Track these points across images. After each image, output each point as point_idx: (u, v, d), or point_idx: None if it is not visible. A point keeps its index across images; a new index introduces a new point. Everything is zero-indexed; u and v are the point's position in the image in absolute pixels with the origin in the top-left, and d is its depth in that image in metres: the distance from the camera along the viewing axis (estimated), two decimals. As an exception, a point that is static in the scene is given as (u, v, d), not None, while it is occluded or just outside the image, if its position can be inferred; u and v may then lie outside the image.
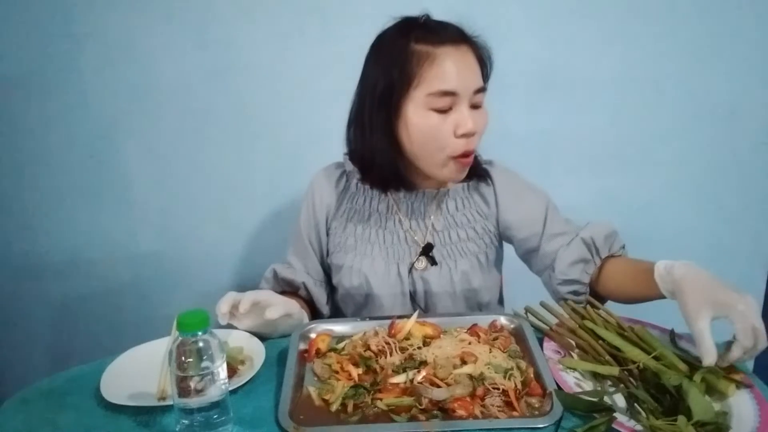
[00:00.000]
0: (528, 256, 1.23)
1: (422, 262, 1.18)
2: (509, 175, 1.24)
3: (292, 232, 1.27)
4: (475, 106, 1.08)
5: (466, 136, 1.06)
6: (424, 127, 1.06)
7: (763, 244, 1.76)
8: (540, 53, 1.60)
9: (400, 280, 1.18)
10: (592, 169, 1.69)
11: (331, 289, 1.28)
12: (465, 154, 1.08)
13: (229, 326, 1.04)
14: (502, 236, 1.24)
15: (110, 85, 1.60)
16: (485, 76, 1.11)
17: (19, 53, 1.57)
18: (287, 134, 1.65)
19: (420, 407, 0.83)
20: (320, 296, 1.25)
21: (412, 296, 1.19)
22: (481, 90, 1.08)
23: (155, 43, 1.57)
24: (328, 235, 1.24)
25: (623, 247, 1.18)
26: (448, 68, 1.04)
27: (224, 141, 1.66)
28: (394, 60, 1.06)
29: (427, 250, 1.18)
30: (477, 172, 1.20)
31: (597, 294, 1.14)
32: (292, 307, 1.09)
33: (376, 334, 0.99)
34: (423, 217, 1.20)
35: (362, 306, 1.21)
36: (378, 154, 1.12)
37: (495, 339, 0.99)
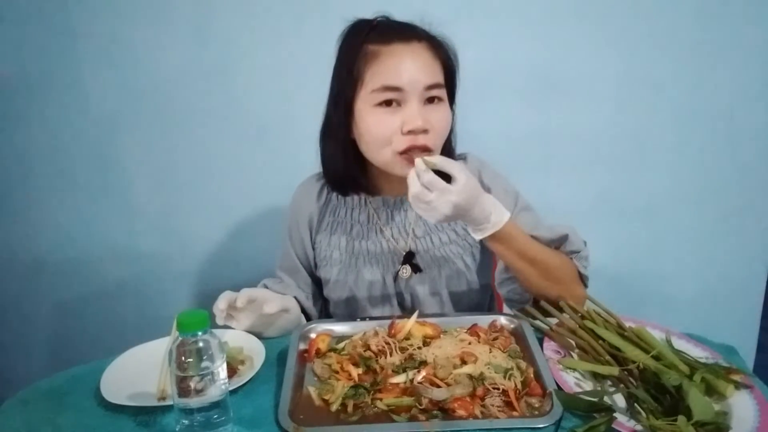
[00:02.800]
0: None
1: (406, 271, 1.17)
2: (481, 169, 1.21)
3: (281, 247, 1.27)
4: (430, 103, 1.05)
5: (413, 132, 1.03)
6: (371, 124, 1.05)
7: (763, 244, 1.76)
8: (540, 54, 1.59)
9: (387, 289, 1.18)
10: (591, 169, 1.69)
11: (324, 300, 1.27)
12: (411, 149, 1.04)
13: (227, 327, 1.04)
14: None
15: (110, 84, 1.61)
16: (448, 73, 1.09)
17: (19, 53, 1.58)
18: (287, 134, 1.65)
19: (420, 407, 0.83)
20: (312, 309, 1.24)
21: (400, 304, 1.19)
22: (436, 86, 1.05)
23: (155, 42, 1.57)
24: (314, 249, 1.23)
25: (574, 252, 1.12)
26: (392, 64, 1.03)
27: (224, 140, 1.66)
28: (346, 62, 1.07)
29: (408, 258, 1.17)
30: None
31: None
32: (289, 302, 1.09)
33: (376, 334, 0.99)
34: (404, 225, 1.19)
35: (352, 317, 1.20)
36: (333, 155, 1.13)
37: (495, 339, 0.99)
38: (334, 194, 1.22)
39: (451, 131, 1.14)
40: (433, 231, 1.19)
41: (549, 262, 1.07)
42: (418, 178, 0.97)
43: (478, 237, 1.03)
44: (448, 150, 1.15)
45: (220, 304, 1.01)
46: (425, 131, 1.04)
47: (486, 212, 1.01)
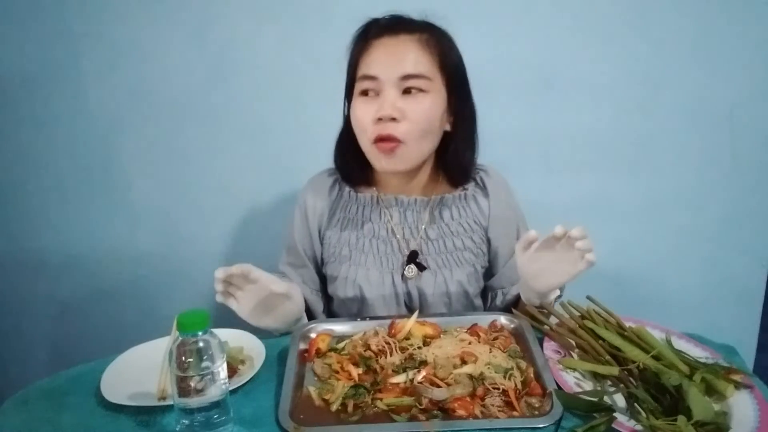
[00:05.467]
0: (489, 265, 1.24)
1: (412, 270, 1.17)
2: (503, 186, 1.23)
3: (284, 242, 1.27)
4: (409, 93, 1.07)
5: (381, 120, 1.06)
6: (353, 112, 1.11)
7: (763, 244, 1.76)
8: (540, 54, 1.59)
9: (395, 289, 1.18)
10: (591, 169, 1.69)
11: (327, 298, 1.27)
12: (380, 139, 1.07)
13: (228, 326, 1.04)
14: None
15: (110, 85, 1.61)
16: (446, 67, 1.10)
17: (19, 53, 1.57)
18: (287, 134, 1.65)
19: (420, 407, 0.83)
20: (317, 305, 1.24)
21: (407, 305, 1.19)
22: (414, 77, 1.06)
23: (155, 43, 1.57)
24: (322, 244, 1.23)
25: None
26: (372, 54, 1.08)
27: (224, 141, 1.66)
28: (350, 58, 1.12)
29: (412, 258, 1.17)
30: (469, 177, 1.20)
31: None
32: (295, 289, 1.09)
33: (376, 334, 0.99)
34: (416, 225, 1.19)
35: (358, 315, 1.20)
36: (340, 145, 1.19)
37: (495, 339, 0.99)
38: (347, 190, 1.22)
39: (472, 136, 1.17)
40: (447, 235, 1.18)
41: None
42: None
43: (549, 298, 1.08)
44: (465, 156, 1.16)
45: (218, 274, 0.99)
46: (394, 119, 1.06)
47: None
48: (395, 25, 1.09)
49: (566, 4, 1.56)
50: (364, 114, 1.08)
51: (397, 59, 1.06)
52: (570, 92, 1.63)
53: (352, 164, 1.19)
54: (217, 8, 1.55)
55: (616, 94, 1.63)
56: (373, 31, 1.10)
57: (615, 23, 1.57)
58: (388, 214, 1.19)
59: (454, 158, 1.16)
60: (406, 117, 1.06)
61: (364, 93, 1.09)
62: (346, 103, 1.15)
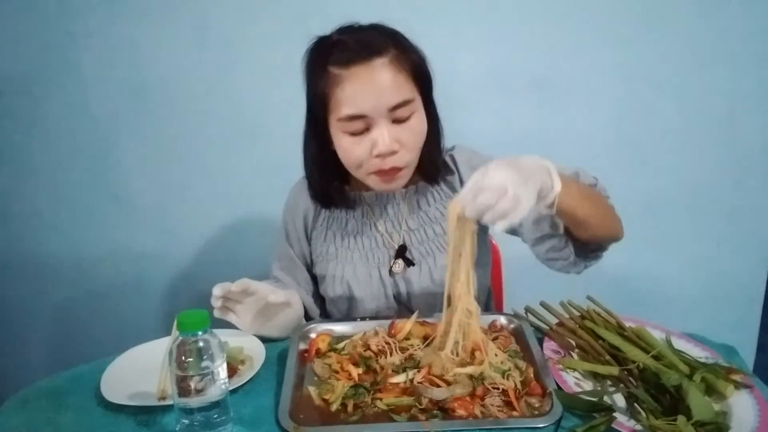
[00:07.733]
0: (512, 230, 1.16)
1: (399, 265, 1.17)
2: (472, 156, 1.19)
3: (276, 248, 1.26)
4: (399, 120, 1.03)
5: (382, 155, 1.04)
6: (342, 149, 1.07)
7: (763, 244, 1.76)
8: (539, 55, 1.60)
9: (383, 284, 1.17)
10: (591, 169, 1.68)
11: (321, 300, 1.27)
12: (383, 172, 1.06)
13: (233, 328, 1.04)
14: (480, 222, 1.21)
15: (110, 85, 1.61)
16: (419, 78, 1.05)
17: (19, 53, 1.58)
18: (287, 134, 1.63)
19: (420, 407, 0.83)
20: (313, 306, 1.24)
21: (396, 298, 1.19)
22: (402, 105, 1.02)
23: (155, 43, 1.57)
24: (310, 245, 1.23)
25: (593, 185, 1.08)
26: (354, 91, 1.01)
27: (224, 141, 1.66)
28: (313, 85, 1.06)
29: (401, 252, 1.17)
30: (441, 168, 1.17)
31: (581, 240, 1.05)
32: (292, 296, 1.09)
33: (376, 334, 0.99)
34: (397, 218, 1.19)
35: (348, 313, 1.20)
36: (312, 170, 1.16)
37: (495, 339, 0.99)
38: None
39: (438, 132, 1.14)
40: (427, 223, 1.18)
41: (596, 196, 1.03)
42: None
43: (552, 205, 0.90)
44: (434, 152, 1.14)
45: (216, 291, 0.99)
46: (394, 152, 1.04)
47: (539, 165, 0.91)
48: (361, 50, 1.01)
49: (566, 6, 1.56)
50: (355, 151, 1.05)
51: (380, 90, 1.01)
52: (570, 93, 1.63)
53: (334, 189, 1.16)
54: (217, 8, 1.55)
55: (617, 95, 1.63)
56: (335, 56, 1.02)
57: (615, 25, 1.57)
58: (370, 211, 1.20)
59: (428, 158, 1.14)
60: (403, 145, 1.05)
61: (354, 132, 1.04)
62: (318, 130, 1.09)
